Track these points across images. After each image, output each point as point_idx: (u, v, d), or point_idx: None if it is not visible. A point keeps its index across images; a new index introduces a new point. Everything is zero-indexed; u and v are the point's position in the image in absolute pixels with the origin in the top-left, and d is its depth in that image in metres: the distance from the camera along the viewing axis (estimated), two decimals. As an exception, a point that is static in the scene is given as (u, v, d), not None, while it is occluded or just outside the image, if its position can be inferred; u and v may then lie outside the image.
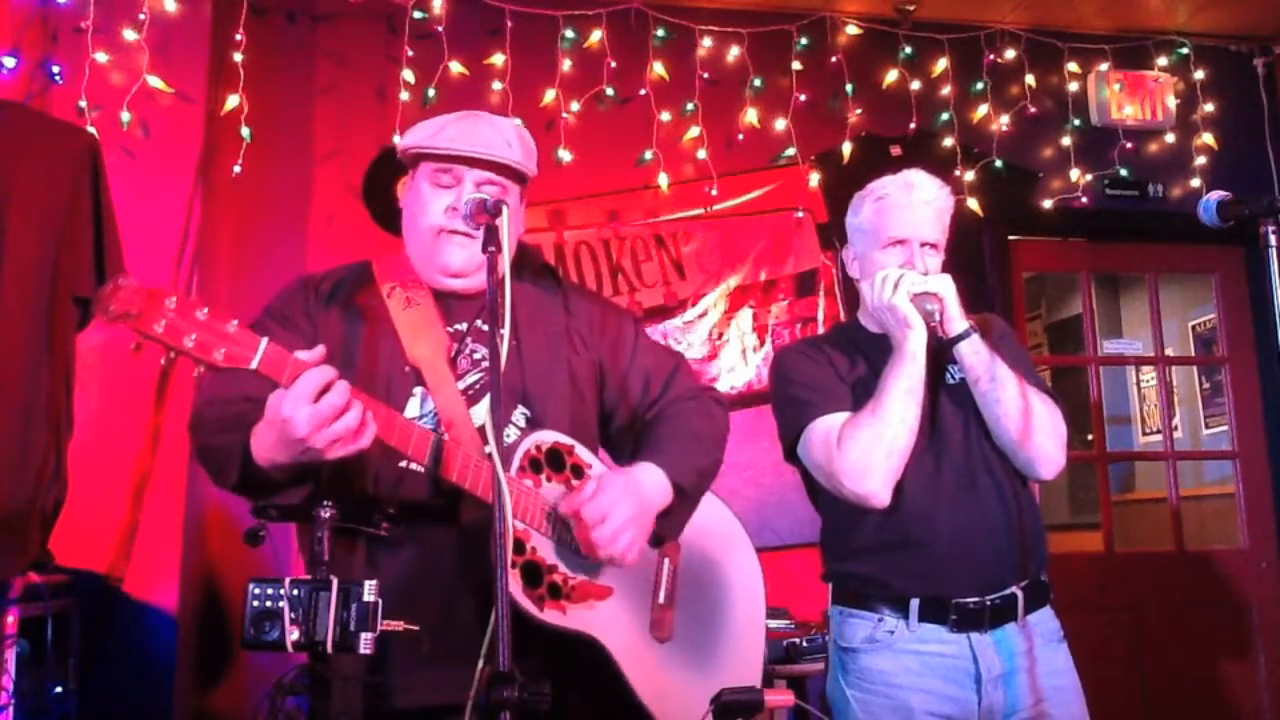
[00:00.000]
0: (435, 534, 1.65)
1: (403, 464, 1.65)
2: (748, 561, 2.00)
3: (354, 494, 1.66)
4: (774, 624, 3.26)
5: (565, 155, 3.81)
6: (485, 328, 1.75)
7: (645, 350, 1.94)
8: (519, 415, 1.76)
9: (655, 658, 1.77)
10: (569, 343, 1.85)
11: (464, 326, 1.77)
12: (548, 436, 1.71)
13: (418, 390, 1.72)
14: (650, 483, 1.73)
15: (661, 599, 1.80)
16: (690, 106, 3.95)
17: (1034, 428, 1.99)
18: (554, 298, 1.89)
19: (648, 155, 3.90)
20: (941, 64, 4.17)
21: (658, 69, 3.92)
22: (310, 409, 1.41)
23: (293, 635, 1.44)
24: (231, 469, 1.57)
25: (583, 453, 1.76)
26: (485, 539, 1.52)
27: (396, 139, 3.51)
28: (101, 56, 3.40)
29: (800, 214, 4.03)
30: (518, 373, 1.76)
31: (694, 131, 3.94)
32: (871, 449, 1.94)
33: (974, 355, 2.01)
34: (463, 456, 1.59)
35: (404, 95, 3.71)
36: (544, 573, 1.63)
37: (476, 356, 1.76)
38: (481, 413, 1.71)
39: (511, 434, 1.73)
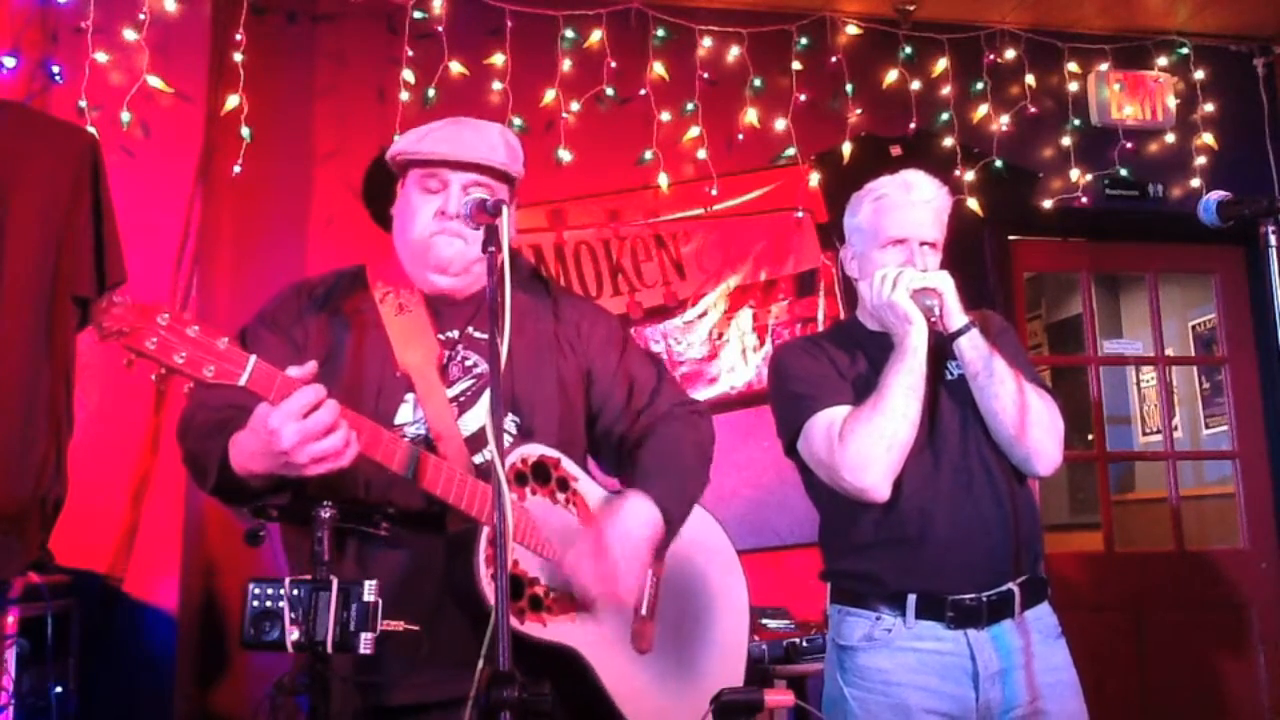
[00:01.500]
0: (424, 539, 1.66)
1: None
2: (731, 572, 2.01)
3: (345, 498, 1.65)
4: (774, 624, 3.26)
5: (565, 155, 3.81)
6: (477, 334, 1.76)
7: (632, 355, 1.95)
8: (509, 423, 1.76)
9: (635, 669, 1.78)
10: (558, 348, 1.86)
11: (455, 334, 1.78)
12: (534, 450, 1.72)
13: (409, 397, 1.72)
14: (641, 525, 1.74)
15: (643, 611, 1.81)
16: (690, 106, 3.95)
17: (1031, 423, 2.00)
18: (543, 303, 1.89)
19: (648, 155, 3.90)
20: (941, 64, 4.17)
21: (658, 69, 3.92)
22: (298, 424, 1.42)
23: (293, 635, 1.44)
24: (210, 473, 1.58)
25: (569, 465, 1.77)
26: (468, 548, 1.53)
27: (396, 139, 3.51)
28: (101, 56, 3.40)
29: (800, 214, 4.03)
30: (508, 380, 1.75)
31: (694, 131, 3.94)
32: (872, 442, 1.94)
33: (973, 350, 2.02)
34: (447, 471, 1.60)
35: (404, 95, 3.71)
36: (525, 585, 1.64)
37: (468, 364, 1.77)
38: (472, 422, 1.72)
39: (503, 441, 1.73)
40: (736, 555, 2.02)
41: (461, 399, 1.74)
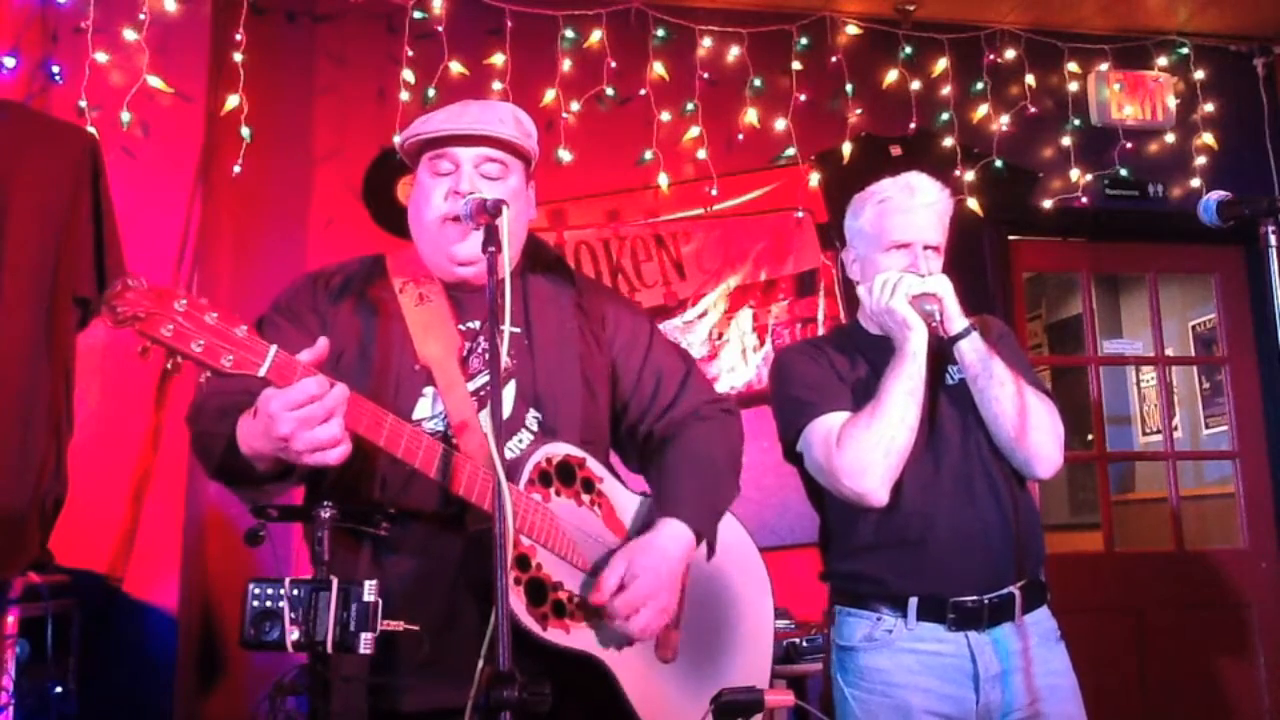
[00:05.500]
0: (441, 540, 1.63)
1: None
2: (756, 574, 1.97)
3: (361, 496, 1.64)
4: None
5: (565, 155, 3.81)
6: (500, 327, 1.73)
7: (659, 350, 1.90)
8: (531, 419, 1.72)
9: (659, 678, 1.75)
10: (583, 341, 1.81)
11: (476, 325, 1.74)
12: (559, 449, 1.68)
13: (428, 390, 1.69)
14: (676, 548, 1.71)
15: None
16: (690, 106, 3.95)
17: (1032, 426, 2.00)
18: (567, 294, 1.85)
19: (648, 155, 3.90)
20: (941, 64, 4.17)
21: (658, 69, 3.92)
22: (299, 412, 1.39)
23: (293, 635, 1.43)
24: (216, 453, 1.55)
25: (594, 466, 1.73)
26: (489, 548, 1.51)
27: (397, 139, 3.51)
28: (101, 56, 3.40)
29: (800, 214, 4.03)
30: (529, 373, 1.73)
31: (694, 131, 3.94)
32: (870, 448, 1.94)
33: (974, 353, 2.02)
34: (470, 469, 1.56)
35: (404, 95, 3.71)
36: (548, 590, 1.61)
37: (489, 356, 1.71)
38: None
39: (524, 439, 1.70)
40: (761, 560, 1.98)
41: (482, 392, 1.69)
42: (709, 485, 1.81)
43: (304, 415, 1.40)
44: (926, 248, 2.07)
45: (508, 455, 1.65)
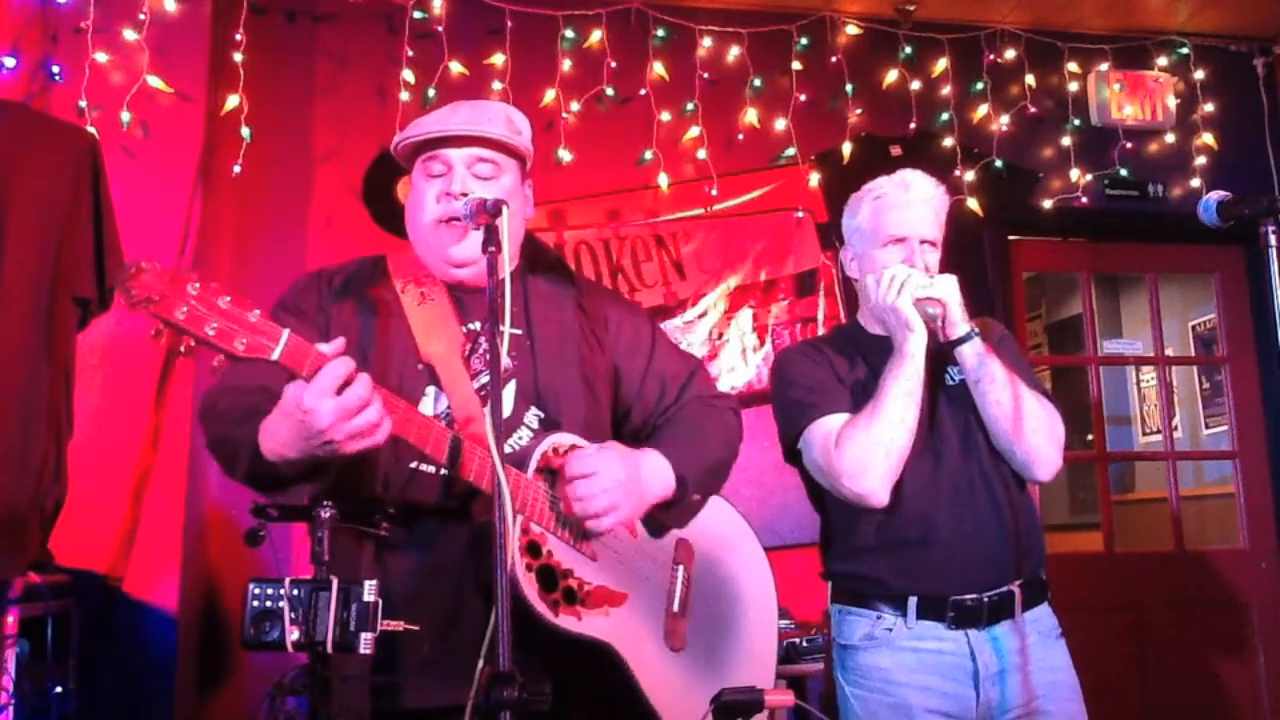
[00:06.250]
0: (445, 536, 1.64)
1: (413, 465, 1.64)
2: (760, 568, 1.99)
3: (363, 495, 1.64)
4: (774, 624, 3.26)
5: (565, 155, 3.81)
6: (499, 325, 1.73)
7: (662, 353, 1.91)
8: (531, 416, 1.74)
9: (668, 666, 1.76)
10: (584, 342, 1.82)
11: (477, 326, 1.75)
12: (565, 439, 1.69)
13: (430, 389, 1.70)
14: (649, 464, 1.71)
15: (675, 607, 1.79)
16: (690, 106, 3.95)
17: (1031, 429, 2.01)
18: (567, 295, 1.86)
19: (648, 155, 3.90)
20: (941, 64, 4.17)
21: (658, 69, 3.92)
22: (334, 401, 1.38)
23: (293, 635, 1.44)
24: (241, 461, 1.54)
25: None
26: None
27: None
28: (101, 56, 3.40)
29: (800, 214, 4.03)
30: (530, 372, 1.74)
31: (694, 131, 3.94)
32: (870, 449, 1.95)
33: (975, 357, 2.03)
34: (479, 456, 1.56)
35: (404, 95, 3.71)
36: (559, 577, 1.62)
37: (489, 356, 1.73)
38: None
39: (524, 436, 1.71)
40: (766, 556, 2.00)
41: (484, 391, 1.69)
42: (693, 442, 1.81)
43: (343, 403, 1.38)
44: (923, 242, 2.08)
45: (508, 450, 1.66)
